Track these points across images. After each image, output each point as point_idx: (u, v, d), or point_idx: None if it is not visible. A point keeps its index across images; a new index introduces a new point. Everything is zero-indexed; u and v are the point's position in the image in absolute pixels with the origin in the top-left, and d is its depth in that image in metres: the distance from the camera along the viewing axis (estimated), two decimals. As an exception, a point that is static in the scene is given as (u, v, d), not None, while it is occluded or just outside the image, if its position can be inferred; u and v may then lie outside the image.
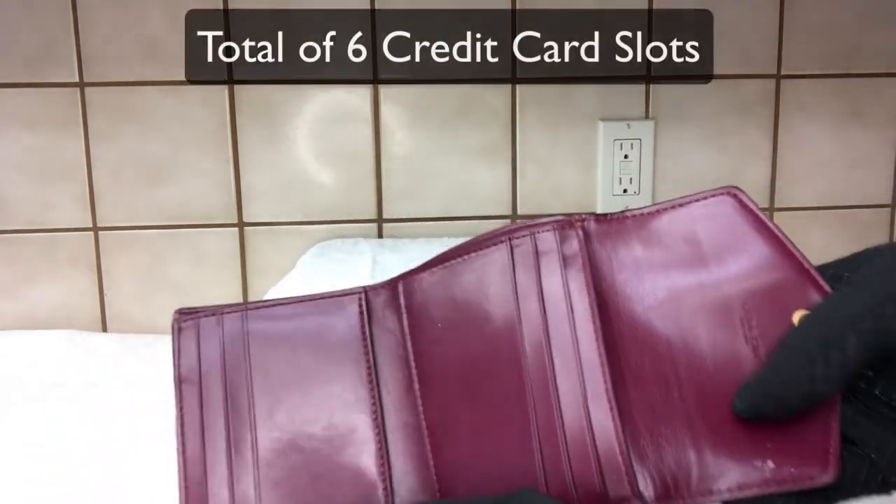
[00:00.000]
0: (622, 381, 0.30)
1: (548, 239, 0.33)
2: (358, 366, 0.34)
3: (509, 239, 0.34)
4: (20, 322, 0.87)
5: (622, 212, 0.33)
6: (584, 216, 0.34)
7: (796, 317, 0.30)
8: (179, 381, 0.34)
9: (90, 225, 0.86)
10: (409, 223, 0.89)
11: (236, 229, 0.88)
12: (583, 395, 0.30)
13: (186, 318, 0.36)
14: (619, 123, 0.88)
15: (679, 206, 0.33)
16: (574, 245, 0.33)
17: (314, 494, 0.31)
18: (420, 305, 0.35)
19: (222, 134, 0.86)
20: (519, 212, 0.89)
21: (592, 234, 0.33)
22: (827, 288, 0.30)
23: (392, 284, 0.36)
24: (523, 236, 0.33)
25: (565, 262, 0.32)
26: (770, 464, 0.28)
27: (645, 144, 0.89)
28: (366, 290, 0.36)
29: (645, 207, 0.33)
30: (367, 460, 0.32)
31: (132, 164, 0.85)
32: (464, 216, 0.89)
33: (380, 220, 0.89)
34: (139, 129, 0.85)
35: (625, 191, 0.90)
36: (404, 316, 0.35)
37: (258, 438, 0.33)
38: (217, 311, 0.36)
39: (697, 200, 0.32)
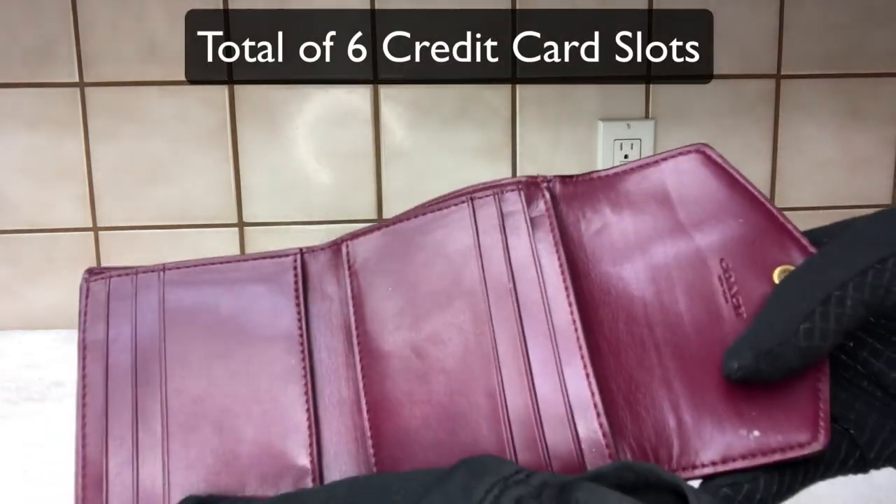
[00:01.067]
0: (597, 347, 0.28)
1: (513, 199, 0.31)
2: (288, 334, 0.31)
3: (471, 199, 0.31)
4: (20, 322, 0.87)
5: (588, 173, 0.32)
6: (548, 177, 0.32)
7: (777, 273, 0.28)
8: (83, 348, 0.31)
9: (90, 225, 0.86)
10: (409, 223, 0.89)
11: (236, 229, 0.88)
12: (557, 364, 0.28)
13: (96, 278, 0.32)
14: (619, 123, 0.88)
15: (647, 165, 0.31)
16: (541, 205, 0.31)
17: (231, 479, 0.28)
18: (367, 269, 0.32)
19: (222, 134, 0.86)
20: (519, 212, 0.89)
21: (559, 196, 0.31)
22: (807, 243, 0.28)
23: (335, 246, 0.33)
24: (486, 196, 0.31)
25: (532, 223, 0.30)
26: (755, 433, 0.26)
27: (645, 144, 0.89)
28: (302, 251, 0.33)
29: (612, 168, 0.31)
30: (294, 440, 0.29)
31: (132, 164, 0.85)
32: (464, 216, 0.89)
33: (380, 220, 0.89)
34: (139, 129, 0.85)
35: (625, 191, 0.89)
36: (347, 280, 0.32)
37: (169, 414, 0.29)
38: (131, 272, 0.32)
39: (665, 159, 0.31)
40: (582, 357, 0.27)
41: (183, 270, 0.33)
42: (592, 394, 0.27)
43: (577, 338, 0.28)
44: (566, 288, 0.29)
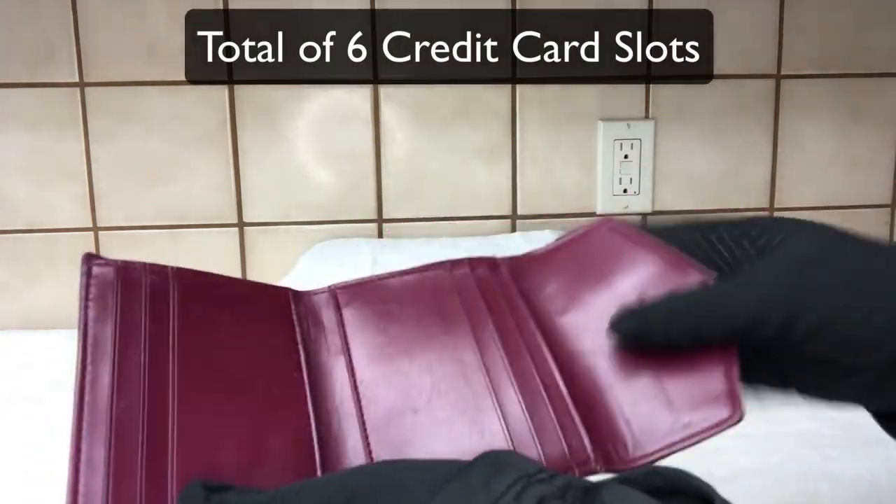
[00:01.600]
0: (561, 371, 0.33)
1: (482, 268, 0.38)
2: (288, 348, 0.33)
3: (451, 266, 0.38)
4: (20, 322, 0.87)
5: (528, 253, 0.39)
6: (503, 259, 0.39)
7: None
8: (86, 307, 0.30)
9: (90, 225, 0.86)
10: (409, 223, 0.89)
11: (236, 229, 0.88)
12: (538, 373, 0.33)
13: (101, 264, 0.32)
14: (619, 123, 0.88)
15: (571, 241, 0.38)
16: (504, 271, 0.38)
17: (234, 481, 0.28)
18: (357, 304, 0.36)
19: (222, 134, 0.86)
20: (519, 212, 0.89)
21: (513, 270, 0.38)
22: (703, 270, 0.33)
23: (326, 290, 0.37)
24: (460, 265, 0.38)
25: (499, 282, 0.37)
26: (686, 418, 0.31)
27: (645, 144, 0.89)
28: (296, 292, 0.36)
29: (543, 247, 0.39)
30: (297, 447, 0.29)
31: (132, 164, 0.85)
32: (464, 216, 0.89)
33: (380, 220, 0.89)
34: (139, 129, 0.85)
35: (625, 191, 0.89)
36: (340, 314, 0.36)
37: (178, 413, 0.29)
38: (138, 263, 0.33)
39: (583, 235, 0.38)
40: (556, 368, 0.33)
41: (191, 272, 0.34)
42: (568, 396, 0.32)
43: (552, 354, 0.34)
44: (538, 325, 0.35)
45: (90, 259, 0.32)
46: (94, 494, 0.26)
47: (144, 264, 0.33)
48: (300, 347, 0.33)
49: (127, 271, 0.32)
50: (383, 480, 0.24)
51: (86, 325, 0.30)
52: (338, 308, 0.36)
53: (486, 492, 0.22)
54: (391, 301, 0.36)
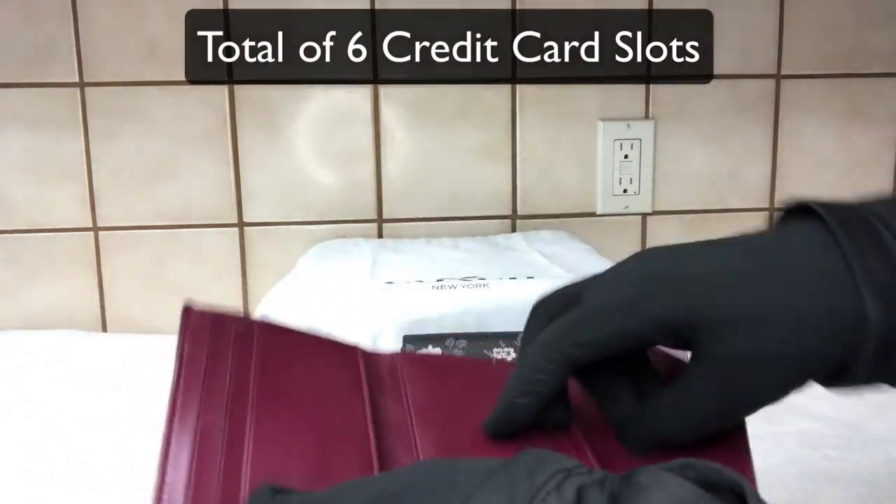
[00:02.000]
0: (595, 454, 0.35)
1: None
2: (355, 387, 0.36)
3: (498, 362, 0.41)
4: (20, 322, 0.87)
5: None
6: None
7: None
8: (181, 356, 0.35)
9: (90, 225, 0.86)
10: (409, 223, 0.89)
11: (236, 229, 0.88)
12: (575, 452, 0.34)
13: (198, 313, 0.37)
14: (619, 123, 0.88)
15: None
16: None
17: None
18: (419, 370, 0.39)
19: (222, 134, 0.86)
20: (519, 212, 0.89)
21: None
22: None
23: (386, 354, 0.40)
24: (503, 364, 0.40)
25: None
26: None
27: (645, 144, 0.89)
28: (364, 350, 0.39)
29: None
30: (361, 473, 0.32)
31: (132, 164, 0.85)
32: (464, 216, 0.89)
33: (380, 220, 0.89)
34: (139, 129, 0.85)
35: (625, 191, 0.89)
36: (404, 376, 0.38)
37: (255, 432, 0.32)
38: (230, 316, 0.37)
39: None
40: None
41: (271, 324, 0.38)
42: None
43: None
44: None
45: (189, 309, 0.37)
46: (177, 489, 0.29)
47: (233, 316, 0.38)
48: (365, 388, 0.36)
49: (219, 318, 0.38)
50: (435, 476, 0.26)
51: (181, 356, 0.35)
52: (399, 364, 0.39)
53: (529, 482, 0.24)
54: (444, 368, 0.40)
